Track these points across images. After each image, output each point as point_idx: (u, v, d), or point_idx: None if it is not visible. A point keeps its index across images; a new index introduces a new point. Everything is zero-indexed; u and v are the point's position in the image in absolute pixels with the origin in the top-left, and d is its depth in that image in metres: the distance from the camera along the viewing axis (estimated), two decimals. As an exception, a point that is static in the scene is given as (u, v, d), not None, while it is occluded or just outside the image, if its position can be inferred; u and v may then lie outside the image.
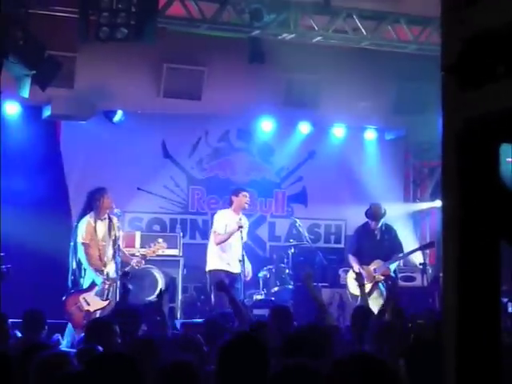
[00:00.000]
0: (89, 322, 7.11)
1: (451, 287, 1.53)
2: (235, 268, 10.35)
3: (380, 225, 11.06)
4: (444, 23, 1.64)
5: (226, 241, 10.41)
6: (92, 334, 6.13)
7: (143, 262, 10.13)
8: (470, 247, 1.55)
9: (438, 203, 12.84)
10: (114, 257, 9.91)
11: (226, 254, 10.46)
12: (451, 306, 1.58)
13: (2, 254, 7.51)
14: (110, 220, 10.05)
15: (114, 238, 10.01)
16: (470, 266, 1.54)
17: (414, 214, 13.40)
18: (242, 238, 10.35)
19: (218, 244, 10.48)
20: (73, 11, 9.15)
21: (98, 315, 9.57)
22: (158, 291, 8.45)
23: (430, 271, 12.34)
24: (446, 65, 1.59)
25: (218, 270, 10.38)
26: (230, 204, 10.72)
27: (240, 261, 10.26)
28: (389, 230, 11.14)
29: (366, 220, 11.14)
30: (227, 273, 10.29)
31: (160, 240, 10.43)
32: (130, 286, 8.25)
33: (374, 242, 10.96)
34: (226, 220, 10.54)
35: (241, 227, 10.33)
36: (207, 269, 10.57)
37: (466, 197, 1.54)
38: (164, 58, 11.17)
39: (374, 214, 11.05)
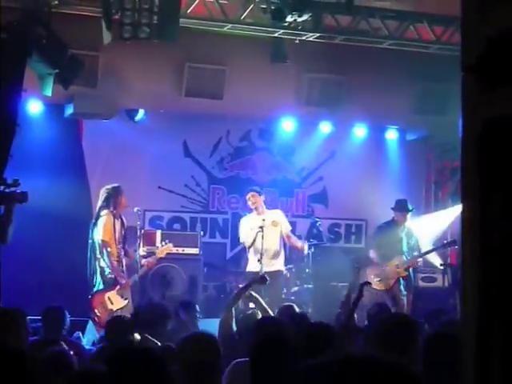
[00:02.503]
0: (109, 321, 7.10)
1: (470, 289, 1.53)
2: (267, 266, 10.42)
3: (405, 224, 10.96)
4: (464, 23, 1.63)
5: (252, 245, 10.62)
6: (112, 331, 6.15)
7: (155, 262, 10.18)
8: (489, 248, 1.54)
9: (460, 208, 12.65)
10: (124, 256, 10.01)
11: (256, 255, 10.59)
12: (470, 308, 1.57)
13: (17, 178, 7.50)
14: (122, 219, 10.09)
15: (124, 237, 10.06)
16: (490, 268, 1.53)
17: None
18: (262, 237, 10.44)
19: (249, 248, 10.76)
20: (96, 10, 9.20)
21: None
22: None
23: (451, 272, 12.30)
24: (466, 65, 1.59)
25: (251, 271, 10.50)
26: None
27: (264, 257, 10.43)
28: (411, 234, 11.04)
29: (391, 218, 11.07)
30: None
31: (167, 241, 10.50)
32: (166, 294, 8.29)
33: (397, 238, 10.87)
34: (248, 226, 10.80)
35: (261, 227, 10.45)
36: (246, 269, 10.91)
37: (486, 198, 1.53)
38: (186, 57, 11.19)
39: (401, 207, 10.95)
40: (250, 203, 10.88)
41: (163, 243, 10.50)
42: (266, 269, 10.28)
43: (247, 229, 10.78)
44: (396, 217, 11.01)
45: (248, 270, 10.74)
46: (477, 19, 1.63)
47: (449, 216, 12.97)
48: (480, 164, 1.54)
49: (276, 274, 10.48)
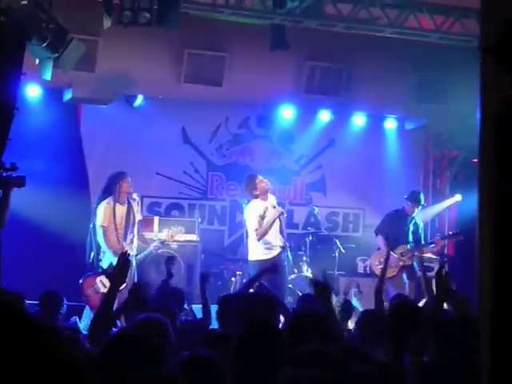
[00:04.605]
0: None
1: (487, 269, 1.51)
2: (276, 250, 10.14)
3: (413, 215, 11.12)
4: (483, 5, 1.62)
5: (268, 232, 10.07)
6: None
7: (161, 246, 10.18)
8: (506, 231, 1.53)
9: (457, 198, 12.81)
10: (132, 241, 9.97)
11: (264, 243, 10.12)
12: (487, 291, 1.56)
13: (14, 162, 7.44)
14: (130, 204, 10.10)
15: (132, 222, 10.06)
16: (507, 250, 1.52)
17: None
18: (280, 220, 10.15)
19: (260, 239, 10.07)
20: (96, -5, 9.15)
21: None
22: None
23: (448, 262, 12.32)
24: (485, 46, 1.58)
25: (261, 260, 9.98)
26: (254, 195, 10.30)
27: (281, 238, 10.14)
28: (417, 223, 11.21)
29: (400, 207, 11.18)
30: (269, 261, 9.82)
31: (179, 226, 10.47)
32: (173, 271, 8.23)
33: (404, 228, 11.03)
34: (258, 212, 10.14)
35: (282, 213, 10.18)
36: (249, 258, 10.21)
37: (504, 176, 1.52)
38: (185, 43, 11.16)
39: (416, 198, 11.10)
40: (270, 186, 10.36)
41: (174, 227, 10.43)
42: (275, 253, 10.11)
43: (256, 217, 10.12)
44: (407, 207, 11.14)
45: (254, 258, 10.09)
46: (495, 1, 1.62)
47: (440, 205, 13.12)
48: (497, 142, 1.53)
49: (282, 255, 10.21)
